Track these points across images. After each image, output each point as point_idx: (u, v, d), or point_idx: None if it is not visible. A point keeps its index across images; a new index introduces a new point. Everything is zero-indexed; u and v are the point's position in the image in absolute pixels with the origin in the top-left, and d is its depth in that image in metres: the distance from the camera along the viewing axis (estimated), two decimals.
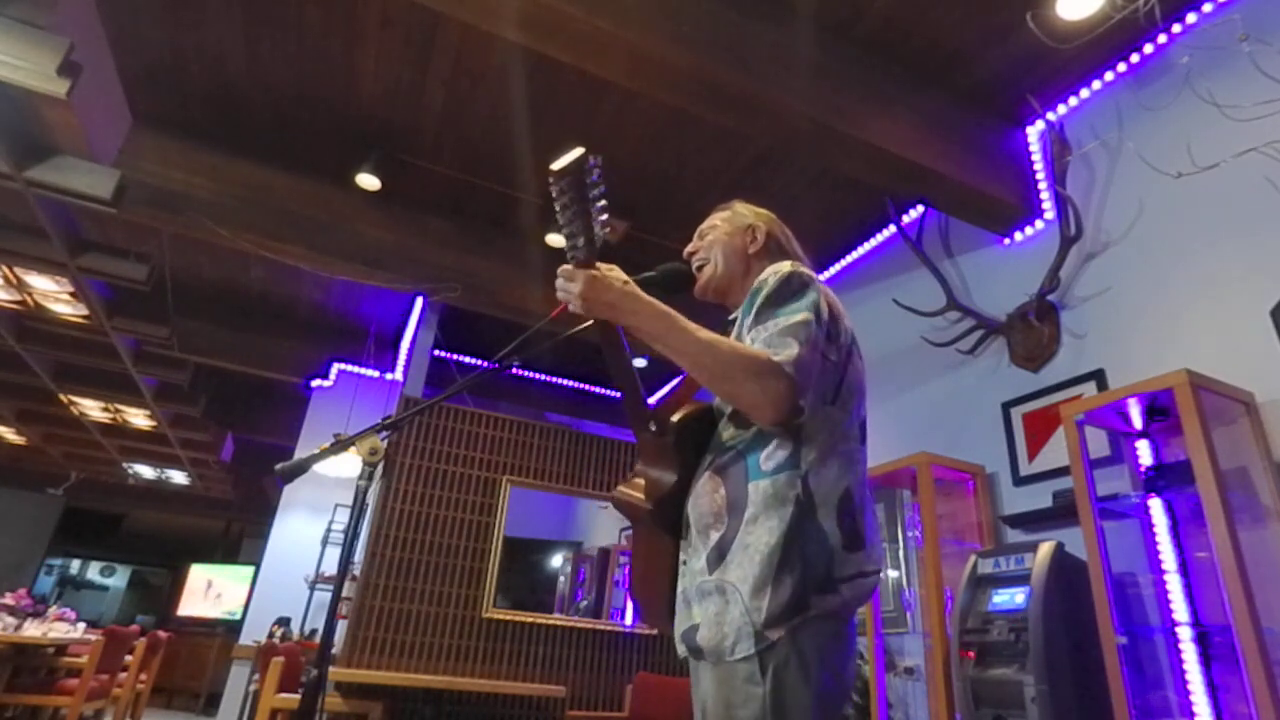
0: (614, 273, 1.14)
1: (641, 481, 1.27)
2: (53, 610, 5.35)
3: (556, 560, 6.92)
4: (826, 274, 4.63)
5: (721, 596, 1.09)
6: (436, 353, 5.62)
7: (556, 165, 1.00)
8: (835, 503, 1.13)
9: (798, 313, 1.16)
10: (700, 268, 1.41)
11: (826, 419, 1.17)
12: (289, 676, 3.64)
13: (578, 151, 1.00)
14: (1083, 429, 2.44)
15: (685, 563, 1.20)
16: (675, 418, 1.24)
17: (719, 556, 1.12)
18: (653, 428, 1.24)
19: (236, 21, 3.27)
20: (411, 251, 4.44)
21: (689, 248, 1.45)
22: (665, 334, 1.13)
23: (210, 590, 10.67)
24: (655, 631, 4.54)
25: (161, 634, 6.27)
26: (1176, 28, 2.88)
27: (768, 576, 1.06)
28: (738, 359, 1.11)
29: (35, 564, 11.45)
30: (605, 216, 1.05)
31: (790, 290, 1.20)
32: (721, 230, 1.43)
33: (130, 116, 3.85)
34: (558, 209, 1.04)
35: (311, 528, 6.18)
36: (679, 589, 1.21)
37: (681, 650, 1.17)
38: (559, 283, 1.14)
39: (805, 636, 1.05)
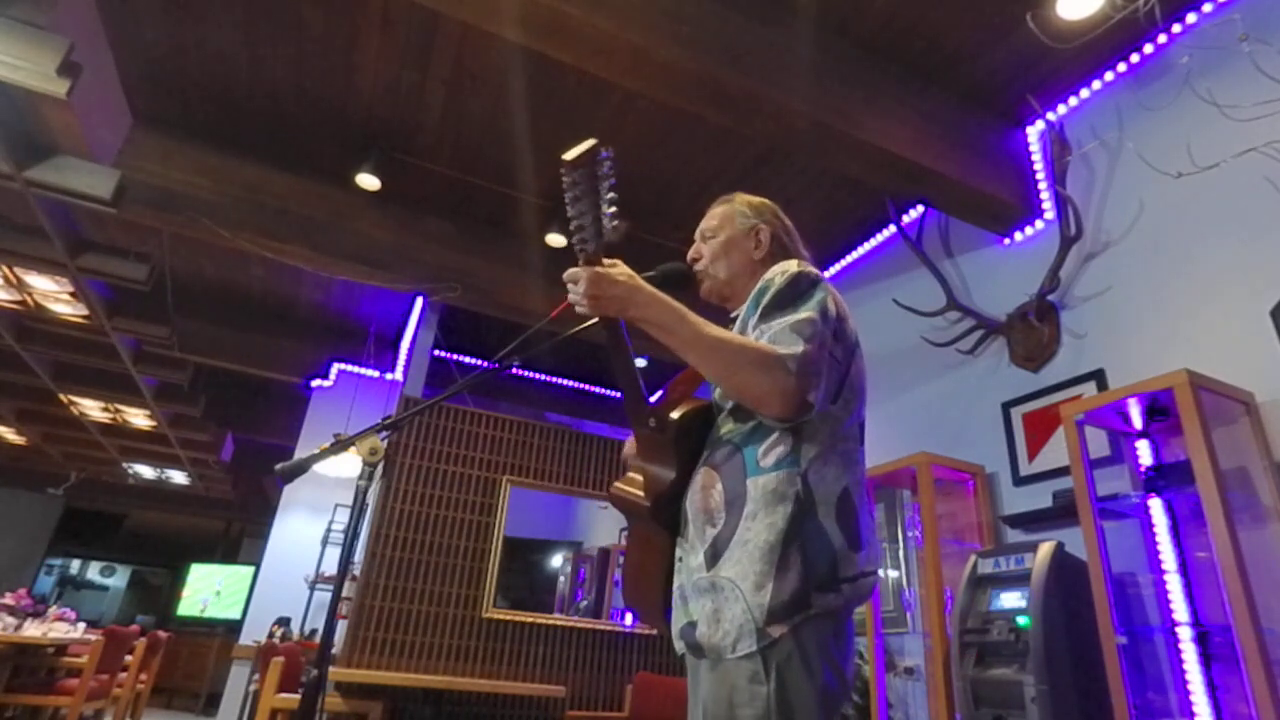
0: (619, 267, 1.13)
1: (640, 478, 1.27)
2: (53, 610, 5.35)
3: (556, 560, 6.92)
4: (826, 274, 4.61)
5: (719, 593, 1.09)
6: (436, 353, 5.61)
7: (569, 155, 1.00)
8: (834, 502, 1.12)
9: (805, 311, 1.16)
10: (702, 274, 1.39)
11: (827, 417, 1.17)
12: (289, 676, 3.64)
13: (590, 142, 1.01)
14: (1083, 429, 2.44)
15: (681, 559, 1.20)
16: (674, 415, 1.24)
17: (716, 553, 1.12)
18: (652, 424, 1.24)
19: (236, 21, 3.27)
20: (411, 251, 4.44)
21: (692, 251, 1.42)
22: (674, 326, 1.12)
23: (207, 591, 10.66)
24: (655, 631, 4.54)
25: (161, 634, 6.27)
26: (1176, 28, 2.88)
27: (768, 573, 1.06)
28: (745, 352, 1.11)
29: (35, 564, 11.45)
30: (614, 209, 1.05)
31: (799, 290, 1.20)
32: (724, 235, 1.39)
33: (130, 116, 3.85)
34: (568, 200, 1.04)
35: (311, 528, 6.18)
36: (675, 585, 1.20)
37: (680, 647, 1.17)
38: (569, 286, 1.14)
39: (807, 634, 1.05)
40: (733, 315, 1.35)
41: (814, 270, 1.24)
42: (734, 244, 1.39)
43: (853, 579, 1.10)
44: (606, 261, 1.12)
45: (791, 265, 1.24)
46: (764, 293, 1.22)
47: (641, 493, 1.25)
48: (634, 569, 1.33)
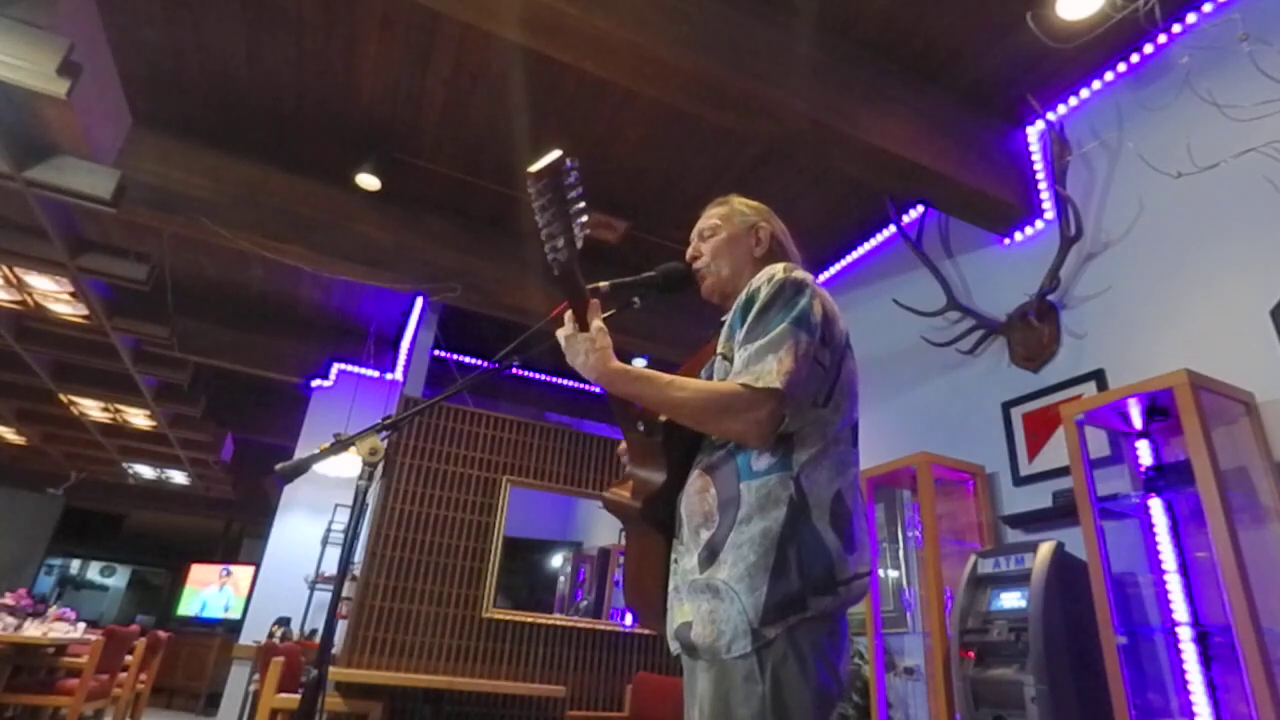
0: (596, 337, 1.16)
1: (630, 481, 1.28)
2: (53, 610, 5.35)
3: (556, 560, 6.91)
4: (826, 274, 4.63)
5: (714, 595, 1.09)
6: (436, 353, 5.61)
7: (534, 168, 1.01)
8: (828, 504, 1.13)
9: (785, 323, 1.16)
10: (704, 271, 1.39)
11: (818, 421, 1.17)
12: (289, 676, 3.64)
13: (555, 154, 1.01)
14: (1083, 429, 2.44)
15: (676, 561, 1.21)
16: (663, 416, 1.24)
17: (711, 555, 1.12)
18: (640, 427, 1.24)
19: (236, 21, 3.27)
20: (411, 251, 4.44)
21: (690, 251, 1.43)
22: (639, 396, 1.17)
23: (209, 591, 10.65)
24: (655, 632, 4.54)
25: (161, 634, 6.27)
26: (1176, 28, 2.88)
27: (763, 576, 1.06)
28: (712, 403, 1.14)
29: (35, 564, 11.45)
30: (584, 219, 1.06)
31: (784, 298, 1.19)
32: (724, 233, 1.40)
33: (130, 116, 3.85)
34: (536, 210, 1.05)
35: (311, 528, 6.18)
36: (670, 586, 1.21)
37: (675, 647, 1.17)
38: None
39: (802, 634, 1.06)
40: (723, 319, 1.35)
41: (800, 274, 1.23)
42: (735, 241, 1.39)
43: (847, 581, 1.10)
44: (595, 325, 1.16)
45: (778, 270, 1.23)
46: (750, 303, 1.21)
47: (632, 495, 1.25)
48: (633, 572, 1.33)
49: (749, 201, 1.46)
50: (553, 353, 1.21)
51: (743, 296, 1.25)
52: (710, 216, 1.44)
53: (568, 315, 1.18)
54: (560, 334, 1.19)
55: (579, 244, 1.07)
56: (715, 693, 1.07)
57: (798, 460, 1.13)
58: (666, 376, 1.16)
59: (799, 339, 1.14)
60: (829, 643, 1.09)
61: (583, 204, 1.05)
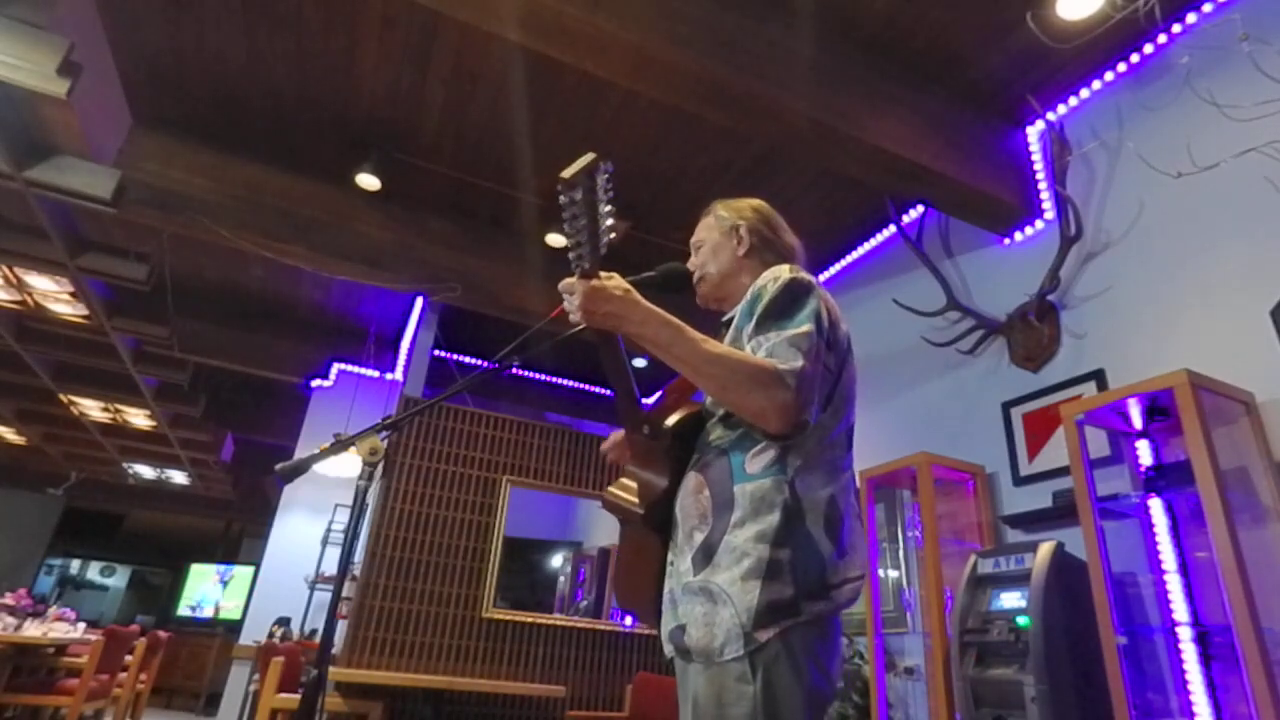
0: (614, 280, 1.13)
1: (633, 484, 1.27)
2: (53, 610, 5.35)
3: (556, 560, 6.92)
4: (826, 274, 4.63)
5: (709, 598, 1.09)
6: (436, 353, 5.62)
7: (566, 173, 0.98)
8: (822, 508, 1.13)
9: (801, 324, 1.16)
10: (699, 280, 1.42)
11: (817, 427, 1.17)
12: (289, 676, 3.64)
13: (588, 157, 0.98)
14: (1083, 429, 2.44)
15: (672, 563, 1.21)
16: (669, 421, 1.23)
17: (705, 558, 1.12)
18: (646, 430, 1.24)
19: (236, 21, 3.27)
20: (411, 251, 4.44)
21: (690, 263, 1.45)
22: (670, 344, 1.13)
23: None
24: (655, 632, 4.53)
25: (161, 634, 6.27)
26: (1176, 28, 2.88)
27: (756, 580, 1.06)
28: (744, 368, 1.11)
29: (35, 564, 11.45)
30: (611, 222, 1.04)
31: (792, 298, 1.19)
32: (709, 241, 1.44)
33: (130, 116, 3.85)
34: (565, 216, 1.03)
35: (311, 528, 6.18)
36: (666, 589, 1.21)
37: (669, 650, 1.17)
38: (564, 296, 1.14)
39: (795, 637, 1.06)
40: (725, 319, 1.35)
41: (806, 276, 1.24)
42: (719, 247, 1.42)
43: (839, 585, 1.11)
44: (603, 274, 1.12)
45: (784, 271, 1.24)
46: (758, 300, 1.21)
47: (636, 499, 1.25)
48: (627, 573, 1.33)
49: (731, 202, 1.47)
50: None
51: (748, 295, 1.25)
52: (698, 230, 1.48)
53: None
54: (569, 289, 1.12)
55: (604, 250, 1.06)
56: (707, 693, 1.07)
57: (792, 464, 1.13)
58: (698, 333, 1.14)
59: (811, 340, 1.15)
60: (820, 645, 1.09)
61: (611, 208, 1.03)
